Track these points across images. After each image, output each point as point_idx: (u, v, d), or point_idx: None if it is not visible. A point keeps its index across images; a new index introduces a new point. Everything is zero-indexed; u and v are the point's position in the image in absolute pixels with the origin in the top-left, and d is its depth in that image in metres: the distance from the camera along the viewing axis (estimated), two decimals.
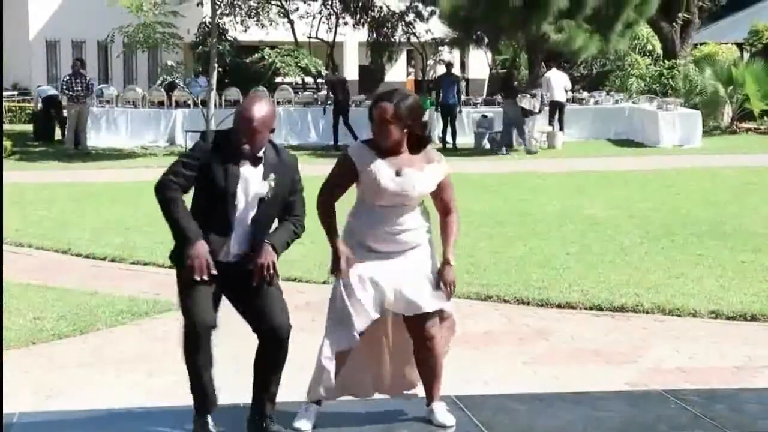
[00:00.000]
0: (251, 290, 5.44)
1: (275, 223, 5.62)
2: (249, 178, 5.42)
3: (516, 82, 25.30)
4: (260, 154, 5.44)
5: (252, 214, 5.46)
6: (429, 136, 5.77)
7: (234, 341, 5.79)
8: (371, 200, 5.62)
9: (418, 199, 5.66)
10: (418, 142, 5.63)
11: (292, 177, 5.55)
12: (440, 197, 5.70)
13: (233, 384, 5.81)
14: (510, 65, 27.92)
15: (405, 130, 5.55)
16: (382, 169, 5.54)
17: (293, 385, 5.72)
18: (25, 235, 12.59)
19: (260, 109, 5.37)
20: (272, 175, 5.45)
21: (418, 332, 5.66)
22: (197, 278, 5.23)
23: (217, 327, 5.43)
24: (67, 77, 24.88)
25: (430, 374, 5.75)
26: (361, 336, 5.54)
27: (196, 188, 5.46)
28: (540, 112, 24.43)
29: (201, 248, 5.29)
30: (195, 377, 5.40)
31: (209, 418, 5.44)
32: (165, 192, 5.36)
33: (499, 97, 26.53)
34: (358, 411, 5.97)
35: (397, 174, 5.54)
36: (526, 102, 24.01)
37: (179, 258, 5.37)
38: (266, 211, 5.50)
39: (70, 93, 24.30)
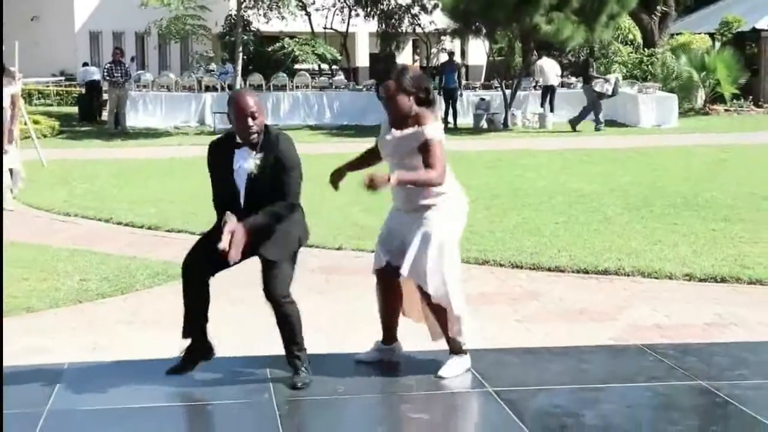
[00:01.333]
0: (260, 253, 5.53)
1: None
2: (244, 163, 5.52)
3: (592, 69, 25.34)
4: (256, 139, 5.50)
5: (245, 192, 5.54)
6: (431, 99, 5.67)
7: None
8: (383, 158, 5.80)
9: (405, 158, 5.58)
10: (419, 107, 5.59)
11: (277, 155, 5.48)
12: (422, 158, 5.54)
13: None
14: (587, 55, 27.58)
15: (411, 98, 5.55)
16: (384, 128, 5.69)
17: (312, 342, 5.74)
18: (71, 206, 12.61)
19: (250, 98, 5.48)
20: (260, 154, 5.49)
21: (421, 293, 5.71)
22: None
23: (206, 277, 5.56)
24: (108, 65, 24.91)
25: (435, 321, 5.82)
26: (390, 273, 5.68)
27: (213, 184, 5.65)
28: (613, 95, 24.60)
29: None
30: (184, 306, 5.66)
31: (188, 342, 5.73)
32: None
33: (578, 81, 26.84)
34: (369, 367, 5.99)
35: (389, 132, 5.64)
36: (599, 86, 24.30)
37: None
38: (255, 187, 5.50)
39: (111, 79, 24.35)
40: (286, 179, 5.50)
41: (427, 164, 5.50)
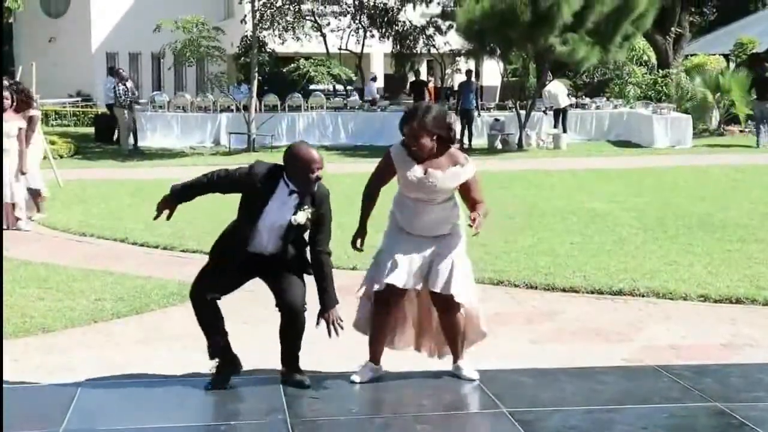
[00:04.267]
0: (279, 274, 5.84)
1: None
2: (284, 204, 5.77)
3: None
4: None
5: (283, 233, 5.80)
6: (452, 138, 5.96)
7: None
8: (405, 192, 5.93)
9: (443, 195, 5.89)
10: (441, 144, 5.86)
11: (323, 212, 5.84)
12: (468, 195, 5.99)
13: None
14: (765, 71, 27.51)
15: (434, 138, 5.81)
16: (411, 167, 5.85)
17: (325, 360, 5.75)
18: (87, 226, 12.64)
19: (316, 153, 5.76)
20: (311, 209, 5.77)
21: (439, 304, 5.98)
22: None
23: (215, 299, 5.83)
24: (114, 86, 24.88)
25: (451, 339, 6.08)
26: (393, 296, 5.90)
27: (244, 206, 5.87)
28: None
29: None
30: (208, 337, 5.91)
31: (216, 361, 5.93)
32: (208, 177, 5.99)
33: (754, 96, 26.68)
34: (388, 384, 6.00)
35: (425, 173, 5.81)
36: None
37: (214, 252, 6.01)
38: (290, 235, 5.82)
39: (119, 99, 24.31)
40: (326, 232, 5.91)
41: (477, 198, 5.97)
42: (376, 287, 5.89)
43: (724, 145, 25.52)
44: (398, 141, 6.03)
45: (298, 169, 5.70)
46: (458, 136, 25.46)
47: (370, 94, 30.96)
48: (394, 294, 5.88)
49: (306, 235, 5.90)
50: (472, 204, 5.96)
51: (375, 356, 6.12)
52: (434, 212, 5.90)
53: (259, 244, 5.82)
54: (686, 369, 6.42)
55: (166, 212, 6.15)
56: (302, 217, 5.73)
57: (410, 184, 5.85)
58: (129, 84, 24.67)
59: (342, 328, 5.82)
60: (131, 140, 24.69)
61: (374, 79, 33.68)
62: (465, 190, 5.94)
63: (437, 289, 5.86)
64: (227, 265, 5.85)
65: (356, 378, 6.04)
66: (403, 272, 5.84)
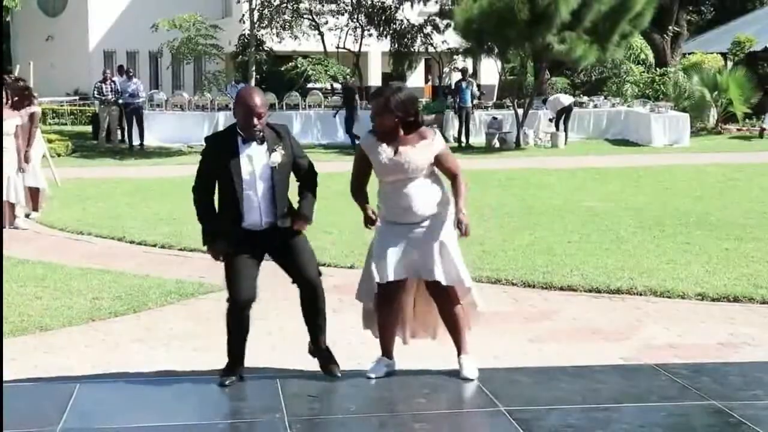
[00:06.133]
0: (287, 250, 5.86)
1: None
2: (253, 156, 5.73)
3: None
4: (261, 135, 5.74)
5: (268, 184, 5.75)
6: (420, 121, 6.00)
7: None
8: (382, 178, 5.97)
9: (419, 172, 5.89)
10: (409, 126, 5.92)
11: (291, 142, 5.87)
12: (443, 166, 6.00)
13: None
14: None
15: (396, 119, 5.86)
16: (382, 151, 5.88)
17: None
18: (85, 225, 12.64)
19: (258, 97, 5.75)
20: (278, 147, 5.75)
21: (436, 295, 5.98)
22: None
23: (256, 299, 5.80)
24: (98, 83, 24.89)
25: (452, 329, 6.05)
26: (393, 290, 5.90)
27: (219, 180, 5.80)
28: None
29: (213, 250, 5.83)
30: (230, 343, 5.89)
31: (230, 377, 5.88)
32: (194, 196, 5.89)
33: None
34: (388, 383, 5.99)
35: (395, 153, 5.85)
36: None
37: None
38: (279, 178, 5.78)
39: (101, 97, 24.34)
40: (304, 159, 5.97)
41: (452, 171, 5.99)
42: (375, 282, 5.88)
43: (721, 143, 25.54)
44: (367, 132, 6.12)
45: (239, 113, 5.72)
46: (455, 135, 25.49)
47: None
48: (393, 288, 5.89)
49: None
50: (449, 174, 5.99)
51: (386, 350, 6.11)
52: (417, 192, 5.88)
53: (254, 217, 5.75)
54: (684, 367, 6.41)
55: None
56: (277, 156, 5.71)
57: (384, 166, 5.87)
58: (122, 79, 24.65)
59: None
60: (126, 138, 24.63)
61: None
62: (439, 163, 5.95)
63: (432, 278, 5.87)
64: (236, 256, 5.77)
65: (372, 374, 6.02)
66: (398, 265, 5.86)
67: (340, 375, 5.95)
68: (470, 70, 29.20)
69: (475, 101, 26.73)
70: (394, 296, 5.96)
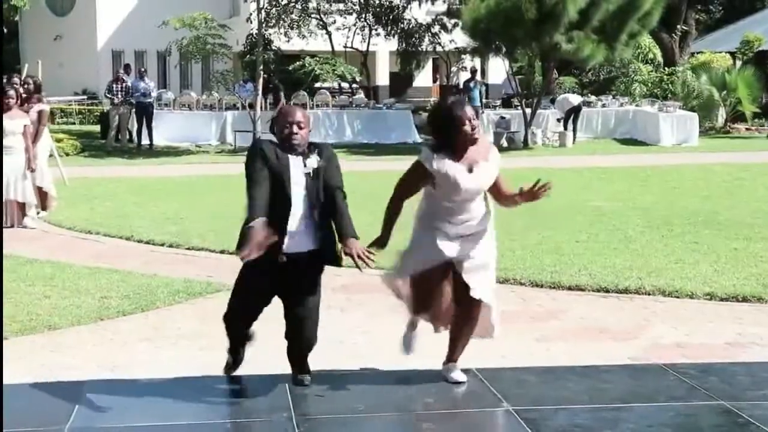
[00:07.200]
0: (296, 298, 5.65)
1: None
2: (293, 168, 5.52)
3: None
4: (302, 149, 5.56)
5: (306, 196, 5.51)
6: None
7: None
8: (448, 197, 5.61)
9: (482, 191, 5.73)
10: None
11: (328, 155, 5.62)
12: (498, 183, 5.78)
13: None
14: None
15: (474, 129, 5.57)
16: (457, 171, 5.55)
17: (332, 358, 5.74)
18: (93, 224, 12.65)
19: (298, 110, 5.64)
20: (315, 154, 5.57)
21: (463, 303, 5.79)
22: (249, 254, 5.19)
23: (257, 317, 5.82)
24: (109, 83, 24.92)
25: (455, 337, 5.93)
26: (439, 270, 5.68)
27: (271, 180, 5.51)
28: None
29: (253, 229, 5.20)
30: (230, 348, 5.97)
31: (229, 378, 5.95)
32: (249, 171, 5.45)
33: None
34: (381, 381, 5.99)
35: (470, 171, 5.58)
36: None
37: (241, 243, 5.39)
38: (315, 186, 5.52)
39: (111, 97, 24.36)
40: (336, 171, 5.62)
41: (504, 186, 5.79)
42: (420, 265, 5.69)
43: (730, 143, 25.50)
44: (424, 147, 5.75)
45: (278, 124, 5.62)
46: None
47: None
48: (437, 268, 5.70)
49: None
50: (504, 189, 5.79)
51: (416, 322, 6.05)
52: (474, 209, 5.70)
53: (295, 238, 5.51)
54: (692, 367, 6.40)
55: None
56: (313, 161, 5.51)
57: (457, 186, 5.55)
58: (132, 79, 24.70)
59: (372, 260, 5.40)
60: (134, 138, 24.67)
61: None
62: (497, 178, 5.76)
63: (478, 296, 5.71)
64: (257, 279, 5.57)
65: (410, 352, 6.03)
66: (444, 246, 5.63)
67: (308, 384, 5.84)
68: (477, 70, 29.13)
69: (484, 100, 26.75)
70: (435, 275, 5.74)
